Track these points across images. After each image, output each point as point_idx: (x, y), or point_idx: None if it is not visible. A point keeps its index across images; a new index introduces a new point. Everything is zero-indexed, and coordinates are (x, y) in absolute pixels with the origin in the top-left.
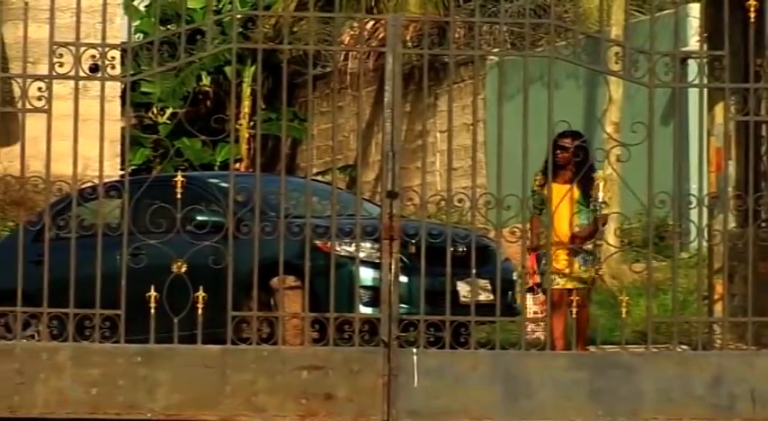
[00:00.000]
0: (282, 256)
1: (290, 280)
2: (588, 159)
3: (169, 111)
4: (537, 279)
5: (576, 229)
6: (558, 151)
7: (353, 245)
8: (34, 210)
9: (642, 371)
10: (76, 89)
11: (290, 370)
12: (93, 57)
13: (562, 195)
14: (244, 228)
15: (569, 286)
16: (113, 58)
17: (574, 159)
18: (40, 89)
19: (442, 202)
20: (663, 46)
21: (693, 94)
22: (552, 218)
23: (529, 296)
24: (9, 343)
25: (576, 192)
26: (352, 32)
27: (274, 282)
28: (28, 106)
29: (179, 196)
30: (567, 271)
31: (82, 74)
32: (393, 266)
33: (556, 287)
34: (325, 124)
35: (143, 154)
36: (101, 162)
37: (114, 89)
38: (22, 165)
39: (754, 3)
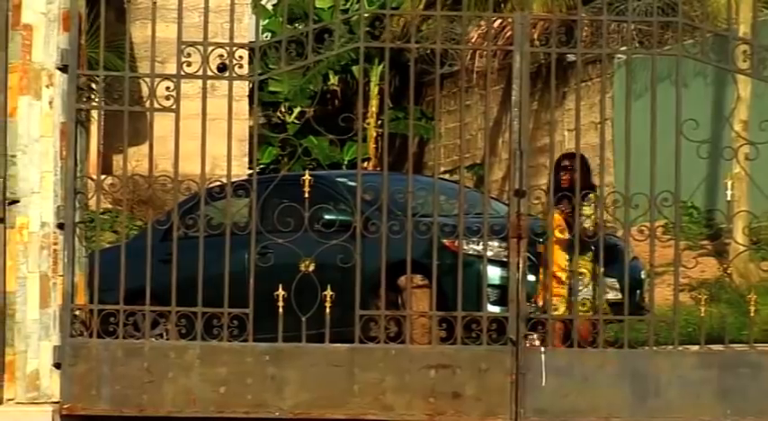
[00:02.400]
0: (410, 255)
1: (418, 278)
2: (587, 182)
3: (297, 111)
4: None
5: (565, 263)
6: (561, 172)
7: (481, 243)
8: (162, 210)
9: None
10: (204, 88)
11: (418, 368)
12: (221, 56)
13: (555, 226)
14: (371, 227)
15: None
16: (241, 57)
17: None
18: (168, 88)
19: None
20: None
21: None
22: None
23: None
24: (138, 342)
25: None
26: (479, 31)
27: (402, 280)
28: (156, 106)
29: (307, 195)
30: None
31: (210, 73)
32: (521, 265)
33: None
34: (452, 123)
35: (271, 153)
36: (229, 161)
37: (242, 88)
38: (150, 164)
39: None
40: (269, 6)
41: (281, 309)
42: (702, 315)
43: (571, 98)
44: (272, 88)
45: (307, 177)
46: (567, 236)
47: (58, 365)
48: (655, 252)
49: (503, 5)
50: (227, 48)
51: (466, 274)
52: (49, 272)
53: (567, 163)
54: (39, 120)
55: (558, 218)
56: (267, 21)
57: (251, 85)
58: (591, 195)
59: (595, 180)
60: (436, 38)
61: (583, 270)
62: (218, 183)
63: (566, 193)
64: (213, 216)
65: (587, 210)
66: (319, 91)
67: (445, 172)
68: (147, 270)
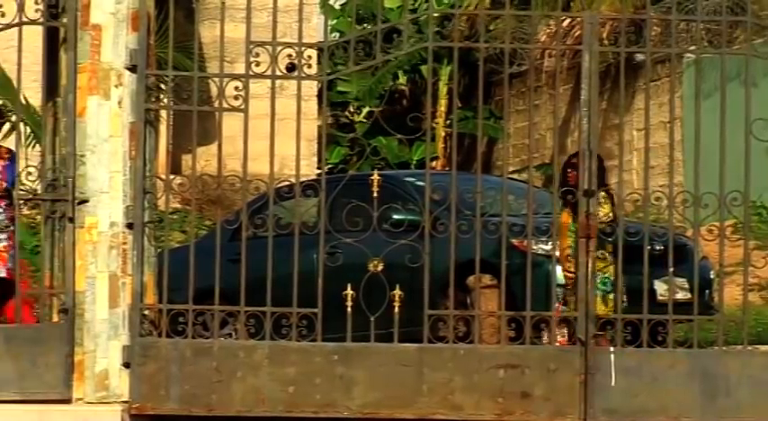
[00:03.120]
0: (479, 255)
1: (487, 278)
2: (601, 181)
3: (366, 110)
4: None
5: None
6: (569, 170)
7: (550, 243)
8: (231, 209)
9: None
10: (273, 88)
11: (487, 368)
12: (290, 56)
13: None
14: (440, 227)
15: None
16: (310, 57)
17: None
18: (236, 88)
19: (639, 201)
20: None
21: None
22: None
23: None
24: (207, 341)
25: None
26: (548, 30)
27: (470, 280)
28: (225, 105)
29: (375, 195)
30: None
31: (278, 73)
32: (590, 265)
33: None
34: (521, 122)
35: (339, 152)
36: (297, 161)
37: (311, 88)
38: (219, 164)
39: None
40: (337, 6)
41: (349, 309)
42: None
43: (640, 98)
44: (340, 88)
45: (375, 177)
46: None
47: (127, 365)
48: (724, 252)
49: (572, 5)
50: (296, 47)
51: (535, 274)
52: (119, 271)
53: (574, 161)
54: (108, 120)
55: (566, 216)
56: (336, 20)
57: (320, 85)
58: (601, 194)
59: (664, 179)
60: (505, 37)
61: (599, 265)
62: (286, 183)
63: (570, 190)
64: (282, 216)
65: (603, 208)
66: (388, 90)
67: (514, 171)
68: (216, 270)
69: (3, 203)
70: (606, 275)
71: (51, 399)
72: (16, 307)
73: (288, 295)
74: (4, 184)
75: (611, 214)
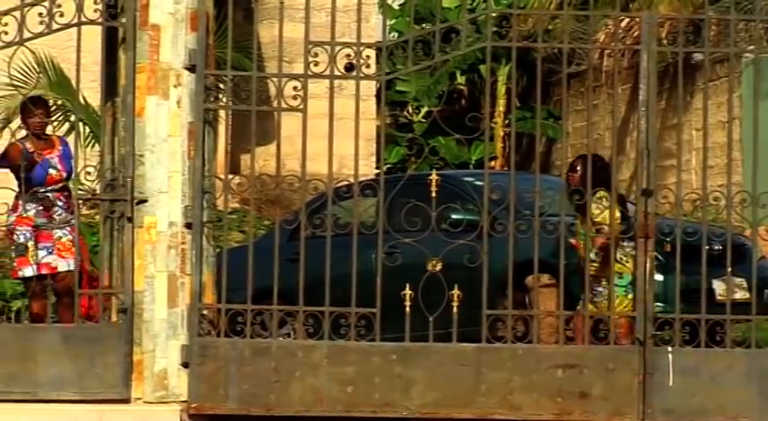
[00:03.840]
0: (537, 255)
1: (545, 278)
2: (601, 182)
3: (424, 110)
4: None
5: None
6: (570, 173)
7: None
8: (290, 209)
9: None
10: (331, 88)
11: (545, 368)
12: (349, 56)
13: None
14: (498, 227)
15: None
16: (368, 56)
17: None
18: (295, 88)
19: (698, 201)
20: None
21: None
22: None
23: None
24: (265, 341)
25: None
26: (606, 30)
27: (529, 280)
28: (284, 105)
29: (434, 195)
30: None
31: (337, 73)
32: (648, 265)
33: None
34: (579, 122)
35: (398, 152)
36: (356, 160)
37: (369, 88)
38: (277, 163)
39: None
40: (396, 6)
41: (408, 309)
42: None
43: (698, 97)
44: (399, 88)
45: (434, 177)
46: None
47: (185, 364)
48: None
49: (630, 5)
50: (355, 47)
51: None
52: (177, 271)
53: (576, 163)
54: (167, 120)
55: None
56: (394, 20)
57: (378, 85)
58: (599, 193)
59: (723, 179)
60: (563, 37)
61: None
62: (345, 183)
63: (577, 189)
64: (340, 215)
65: (600, 209)
66: (446, 90)
67: None
68: (275, 269)
69: (62, 196)
70: (623, 276)
71: (110, 399)
72: (74, 303)
73: (346, 295)
74: (63, 175)
75: (618, 216)
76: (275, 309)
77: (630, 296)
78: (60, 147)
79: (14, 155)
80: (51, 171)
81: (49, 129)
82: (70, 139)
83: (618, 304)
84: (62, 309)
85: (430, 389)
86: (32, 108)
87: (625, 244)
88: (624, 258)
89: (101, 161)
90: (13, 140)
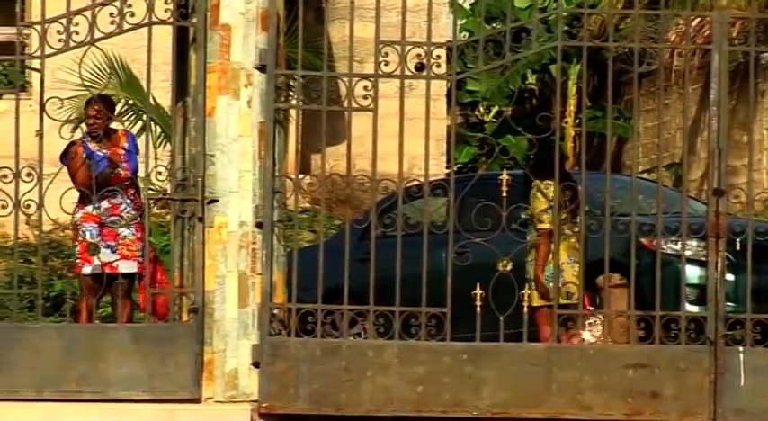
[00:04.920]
0: (608, 254)
1: (616, 278)
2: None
3: (495, 110)
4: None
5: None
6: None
7: (679, 243)
8: (360, 209)
9: None
10: (402, 88)
11: (616, 368)
12: (419, 55)
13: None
14: None
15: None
16: (439, 56)
17: None
18: (365, 88)
19: None
20: None
21: None
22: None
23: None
24: (336, 340)
25: None
26: (677, 30)
27: (600, 280)
28: (354, 105)
29: (504, 194)
30: None
31: (407, 72)
32: (719, 264)
33: None
34: (650, 122)
35: (469, 152)
36: (426, 160)
37: (440, 87)
38: (348, 163)
39: None
40: (466, 6)
41: (478, 309)
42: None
43: None
44: (469, 87)
45: (504, 176)
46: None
47: (256, 364)
48: None
49: (700, 3)
50: (425, 47)
51: (664, 274)
52: (248, 271)
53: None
54: (237, 120)
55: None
56: (465, 20)
57: (449, 85)
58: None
59: None
60: (634, 37)
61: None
62: (415, 183)
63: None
64: (411, 215)
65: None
66: (517, 90)
67: (643, 171)
68: (346, 269)
69: (129, 193)
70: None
71: (181, 399)
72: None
73: (417, 294)
74: (128, 172)
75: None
76: (346, 308)
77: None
78: (125, 144)
79: (74, 154)
80: (113, 168)
81: (120, 126)
82: (141, 140)
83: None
84: (117, 309)
85: (500, 389)
86: (89, 106)
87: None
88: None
89: (172, 161)
90: (74, 139)
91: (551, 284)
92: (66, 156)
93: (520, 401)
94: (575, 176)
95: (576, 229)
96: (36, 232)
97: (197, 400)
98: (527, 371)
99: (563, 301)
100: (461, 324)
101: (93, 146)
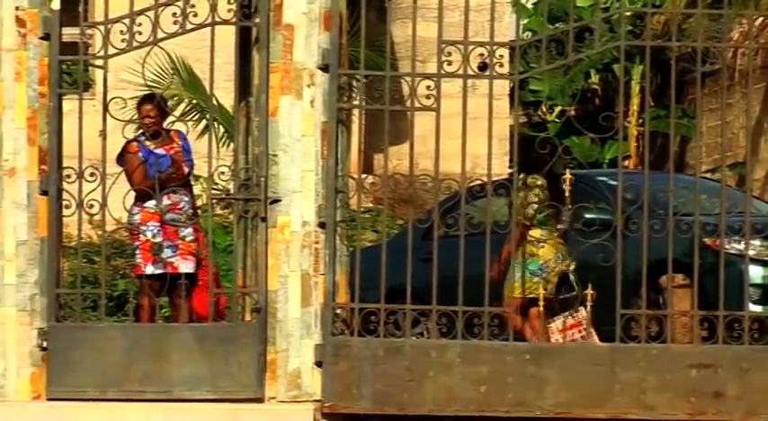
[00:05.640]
0: (671, 254)
1: (679, 278)
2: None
3: (558, 109)
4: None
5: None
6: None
7: (742, 242)
8: (423, 209)
9: None
10: (465, 87)
11: (679, 368)
12: (482, 55)
13: None
14: (632, 226)
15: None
16: (502, 56)
17: None
18: (428, 87)
19: None
20: None
21: None
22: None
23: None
24: (399, 340)
25: None
26: (741, 29)
27: (663, 280)
28: (417, 105)
29: (567, 194)
30: None
31: (470, 72)
32: None
33: None
34: (713, 122)
35: None
36: (489, 160)
37: (503, 87)
38: (410, 163)
39: None
40: (529, 5)
41: (541, 308)
42: None
43: None
44: (532, 87)
45: (568, 176)
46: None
47: (319, 364)
48: None
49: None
50: (488, 46)
51: (727, 273)
52: (311, 270)
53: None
54: (300, 120)
55: None
56: (528, 19)
57: (511, 84)
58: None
59: None
60: (697, 36)
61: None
62: (478, 182)
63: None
64: (473, 215)
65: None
66: (580, 89)
67: (706, 171)
68: (408, 269)
69: (183, 191)
70: (536, 260)
71: (244, 398)
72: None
73: (479, 294)
74: (185, 170)
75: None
76: (408, 308)
77: (536, 280)
78: (179, 142)
79: (131, 153)
80: (176, 166)
81: (178, 125)
82: (204, 140)
83: (518, 287)
84: (178, 308)
85: (563, 389)
86: (141, 107)
87: (539, 230)
88: (539, 242)
89: (234, 161)
90: (129, 138)
91: (535, 279)
92: (122, 158)
93: (583, 401)
94: (638, 176)
95: (560, 226)
96: (99, 232)
97: (260, 400)
98: (590, 371)
99: (546, 295)
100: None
101: (150, 145)
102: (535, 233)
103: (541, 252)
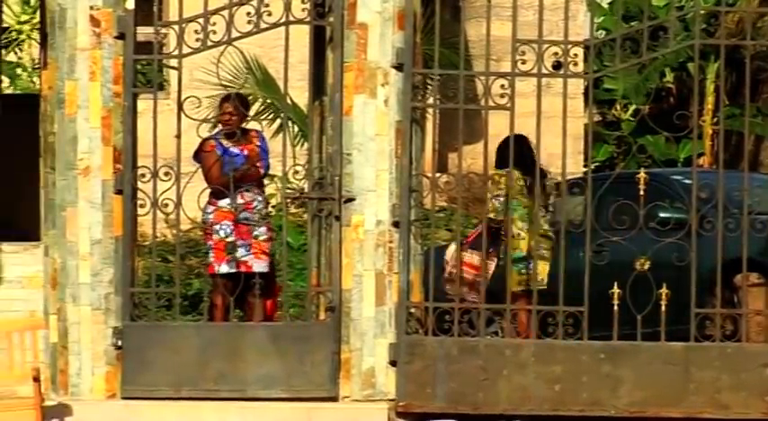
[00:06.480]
0: (746, 253)
1: (754, 277)
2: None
3: (632, 108)
4: None
5: None
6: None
7: None
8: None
9: None
10: (539, 86)
11: (754, 367)
12: (556, 54)
13: None
14: (707, 225)
15: None
16: (576, 55)
17: None
18: (502, 86)
19: None
20: None
21: None
22: None
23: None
24: (473, 339)
25: None
26: None
27: (738, 278)
28: (491, 104)
29: (642, 193)
30: None
31: (544, 71)
32: None
33: None
34: None
35: (606, 151)
36: (563, 159)
37: (577, 86)
38: (485, 162)
39: None
40: (604, 4)
41: (616, 308)
42: None
43: None
44: (607, 85)
45: (642, 175)
46: None
47: (393, 363)
48: None
49: None
50: (562, 45)
51: None
52: (385, 269)
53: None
54: (374, 119)
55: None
56: (602, 18)
57: (586, 83)
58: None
59: None
60: None
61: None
62: (553, 181)
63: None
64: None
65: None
66: (655, 88)
67: None
68: (483, 268)
69: (257, 191)
70: (517, 252)
71: (318, 397)
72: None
73: (554, 293)
74: (261, 170)
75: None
76: (483, 307)
77: (520, 270)
78: (257, 143)
79: (207, 151)
80: (251, 166)
81: (253, 124)
82: (278, 139)
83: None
84: (251, 308)
85: (638, 388)
86: (223, 105)
87: (520, 223)
88: (520, 234)
89: (309, 160)
90: (206, 137)
91: (517, 268)
92: (198, 155)
93: (657, 400)
94: (712, 175)
95: (548, 217)
96: (174, 231)
97: (334, 399)
98: (665, 371)
99: (519, 289)
100: (599, 323)
101: (227, 143)
102: (516, 226)
103: (522, 244)
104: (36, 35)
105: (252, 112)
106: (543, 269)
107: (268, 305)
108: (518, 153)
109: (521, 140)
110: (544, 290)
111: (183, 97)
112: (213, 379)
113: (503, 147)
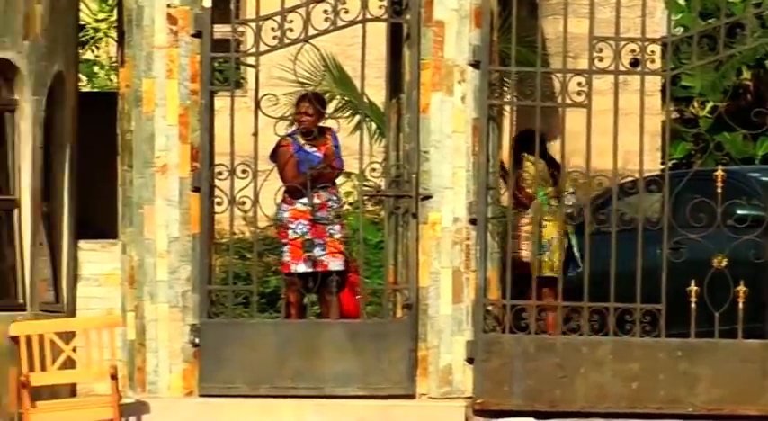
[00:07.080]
0: None
1: None
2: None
3: (710, 105)
4: None
5: None
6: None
7: None
8: (574, 205)
9: None
10: (616, 84)
11: None
12: (633, 51)
13: None
14: None
15: None
16: (653, 52)
17: None
18: (579, 84)
19: None
20: None
21: None
22: None
23: None
24: (550, 337)
25: None
26: None
27: None
28: (568, 101)
29: (719, 190)
30: None
31: (622, 68)
32: None
33: None
34: None
35: (684, 148)
36: (641, 156)
37: (654, 83)
38: (562, 159)
39: None
40: (681, 1)
41: (693, 305)
42: None
43: None
44: (684, 83)
45: (719, 172)
46: None
47: (470, 360)
48: None
49: None
50: (640, 42)
51: None
52: (462, 267)
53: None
54: (451, 116)
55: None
56: (679, 15)
57: (663, 80)
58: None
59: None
60: None
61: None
62: (630, 179)
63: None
64: (625, 211)
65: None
66: (732, 85)
67: None
68: (560, 265)
69: (332, 190)
70: (545, 239)
71: (395, 395)
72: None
73: (631, 291)
74: (336, 169)
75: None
76: (560, 304)
77: (546, 257)
78: (333, 142)
79: (284, 150)
80: (327, 165)
81: (329, 122)
82: (355, 136)
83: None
84: (328, 305)
85: (715, 386)
86: (301, 103)
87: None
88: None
89: (386, 157)
90: (282, 135)
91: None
92: (275, 155)
93: (734, 398)
94: None
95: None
96: (251, 228)
97: (411, 396)
98: (742, 368)
99: (549, 274)
100: (676, 320)
101: (303, 142)
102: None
103: (545, 231)
104: (113, 33)
105: (329, 110)
106: (557, 257)
107: (352, 303)
108: (538, 147)
109: (533, 136)
110: (575, 283)
111: (260, 95)
112: (290, 376)
113: (519, 139)
